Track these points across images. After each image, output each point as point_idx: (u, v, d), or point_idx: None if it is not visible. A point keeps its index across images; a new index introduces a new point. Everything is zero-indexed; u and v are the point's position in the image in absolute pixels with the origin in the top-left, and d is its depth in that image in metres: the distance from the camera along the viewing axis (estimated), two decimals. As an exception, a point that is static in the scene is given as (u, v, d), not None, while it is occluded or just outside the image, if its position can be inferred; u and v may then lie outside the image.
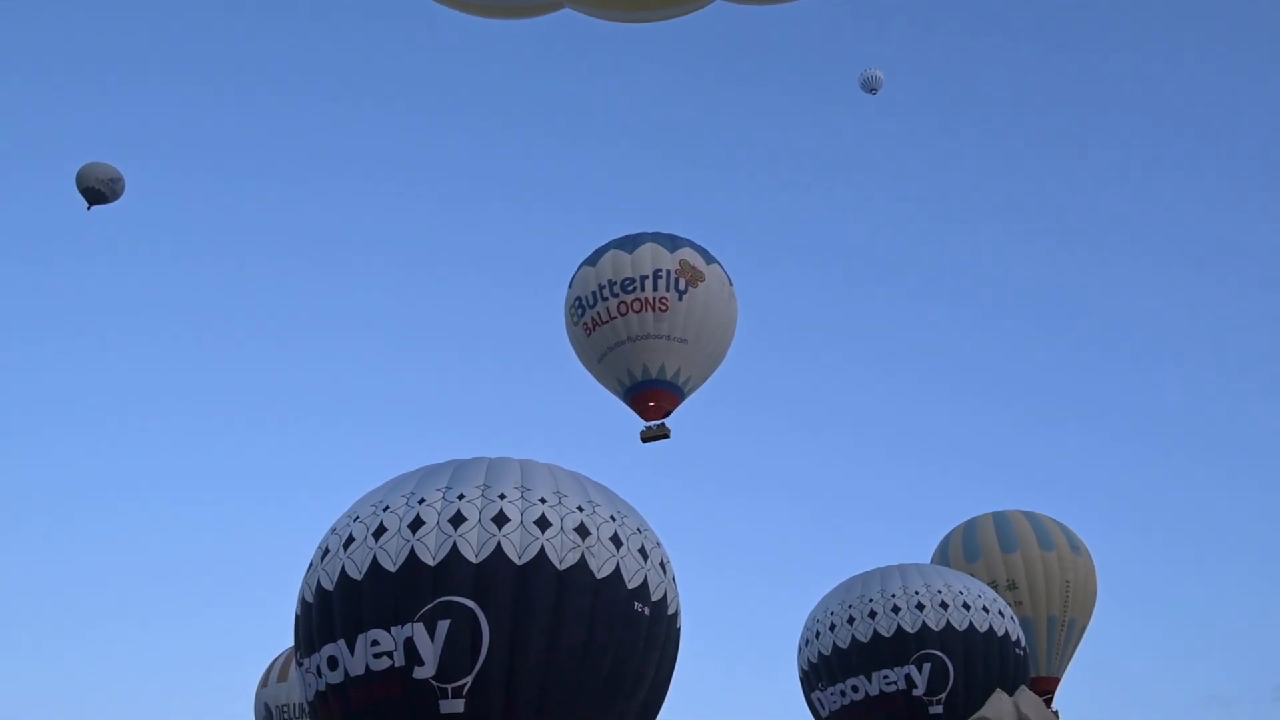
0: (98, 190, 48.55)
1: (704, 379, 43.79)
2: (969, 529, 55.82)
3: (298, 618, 25.49)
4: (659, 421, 42.16)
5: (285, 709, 57.48)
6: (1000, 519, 55.34)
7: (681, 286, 41.20)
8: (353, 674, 22.47)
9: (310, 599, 24.56)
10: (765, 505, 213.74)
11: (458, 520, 22.90)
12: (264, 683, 60.94)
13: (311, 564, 25.71)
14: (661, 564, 25.25)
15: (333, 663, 23.18)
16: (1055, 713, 44.01)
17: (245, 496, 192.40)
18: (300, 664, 26.25)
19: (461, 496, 23.55)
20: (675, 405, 42.65)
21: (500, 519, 23.05)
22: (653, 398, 41.79)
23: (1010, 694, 27.61)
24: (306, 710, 29.22)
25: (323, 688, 23.63)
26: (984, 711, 26.42)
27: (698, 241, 44.57)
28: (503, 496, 23.59)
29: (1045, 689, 49.47)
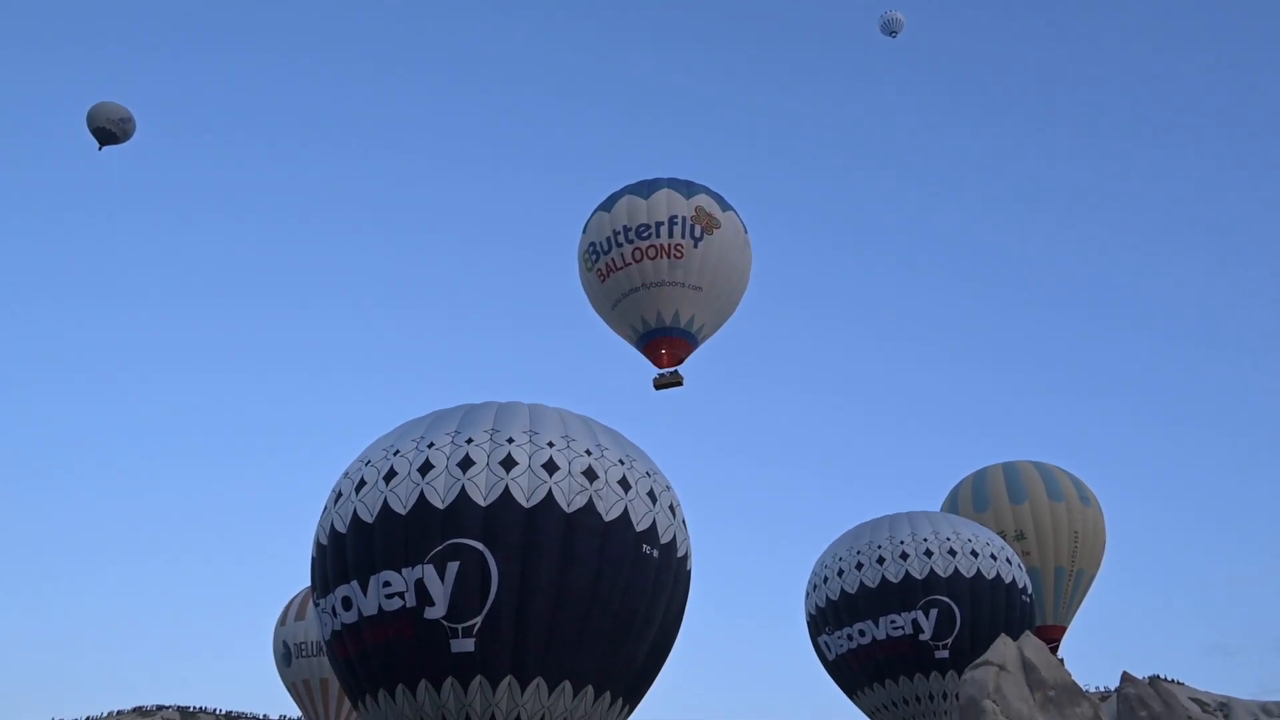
0: (108, 130, 47.72)
1: (717, 327, 43.32)
2: (978, 479, 55.73)
3: (313, 560, 26.10)
4: (672, 369, 41.70)
5: (303, 646, 59.23)
6: (1010, 469, 55.18)
7: (697, 233, 40.27)
8: (366, 614, 23.14)
9: (325, 541, 25.20)
10: (777, 453, 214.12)
11: (466, 464, 23.21)
12: (282, 621, 62.75)
13: (325, 507, 26.21)
14: (671, 507, 25.25)
15: (347, 603, 23.91)
16: (1060, 660, 44.47)
17: (266, 443, 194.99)
18: (317, 604, 26.83)
19: (470, 441, 23.84)
20: (688, 353, 42.23)
21: (508, 463, 23.30)
22: (666, 345, 41.25)
23: (1015, 639, 27.77)
24: (324, 648, 30.18)
25: (338, 627, 24.50)
26: (988, 655, 26.66)
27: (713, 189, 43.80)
28: (511, 441, 23.80)
29: (1051, 637, 50.06)
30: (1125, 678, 69.51)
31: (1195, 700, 66.87)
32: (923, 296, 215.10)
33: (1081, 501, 50.19)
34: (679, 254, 40.31)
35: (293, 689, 64.13)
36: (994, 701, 24.82)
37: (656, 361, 42.38)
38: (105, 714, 72.10)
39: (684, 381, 42.52)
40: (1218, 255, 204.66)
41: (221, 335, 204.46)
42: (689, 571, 25.47)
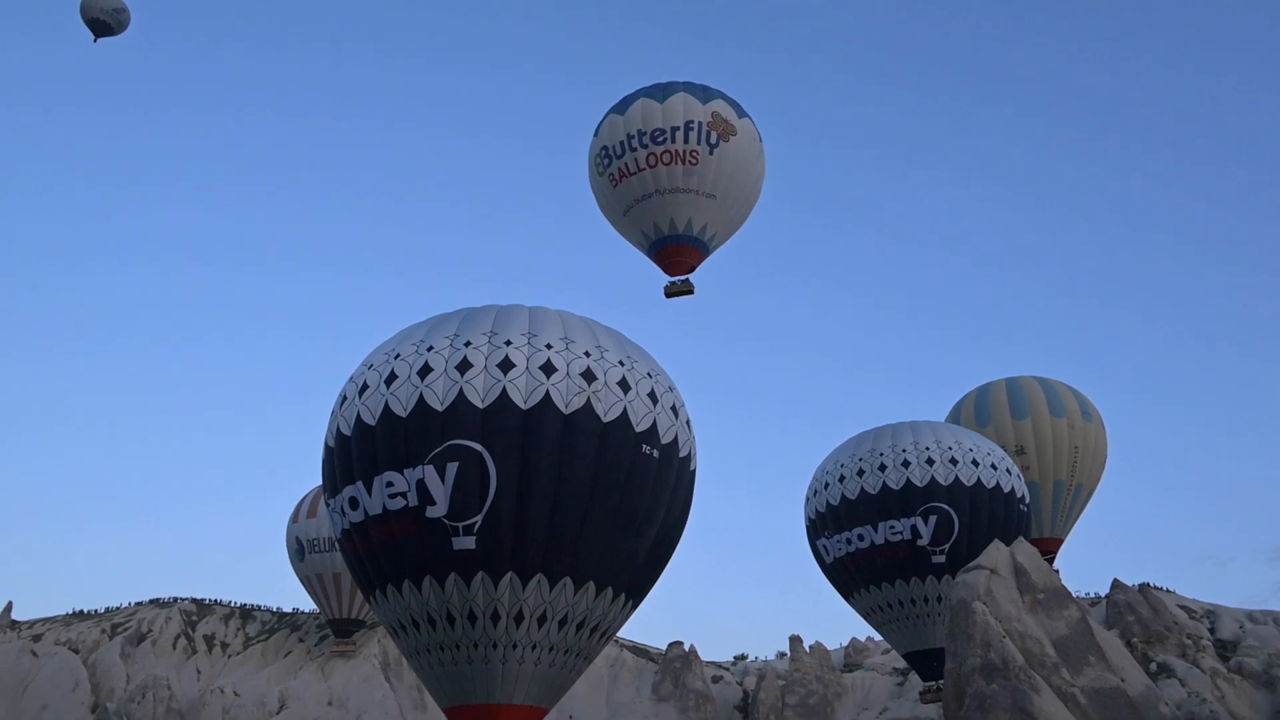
0: (103, 21, 46.18)
1: (729, 235, 42.38)
2: (981, 394, 55.67)
3: (323, 461, 26.66)
4: (683, 277, 41.08)
5: (316, 542, 61.57)
6: (1013, 385, 55.00)
7: (713, 140, 39.15)
8: (371, 513, 23.85)
9: (332, 444, 25.87)
10: (784, 362, 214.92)
11: (464, 367, 23.48)
12: (295, 518, 65.04)
13: (333, 411, 26.77)
14: (674, 408, 25.37)
15: (353, 503, 24.63)
16: (1056, 571, 45.52)
17: (284, 340, 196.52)
18: (328, 504, 27.54)
19: (469, 344, 24.03)
20: (700, 261, 41.46)
21: (506, 365, 23.53)
22: (678, 253, 40.55)
23: (1008, 545, 28.25)
24: (335, 544, 31.14)
25: (347, 526, 25.31)
26: (980, 560, 27.20)
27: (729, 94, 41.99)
28: (509, 343, 23.94)
29: (1048, 549, 51.14)
30: (1116, 584, 71.54)
31: (1183, 607, 68.92)
32: (931, 212, 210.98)
33: (1084, 417, 50.09)
34: (694, 160, 39.00)
35: (306, 583, 67.17)
36: (984, 603, 25.45)
37: (668, 269, 41.70)
38: (123, 605, 75.07)
39: (695, 290, 41.96)
40: (1223, 168, 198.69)
41: (231, 232, 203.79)
42: (693, 471, 25.65)
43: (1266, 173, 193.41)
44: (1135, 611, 61.97)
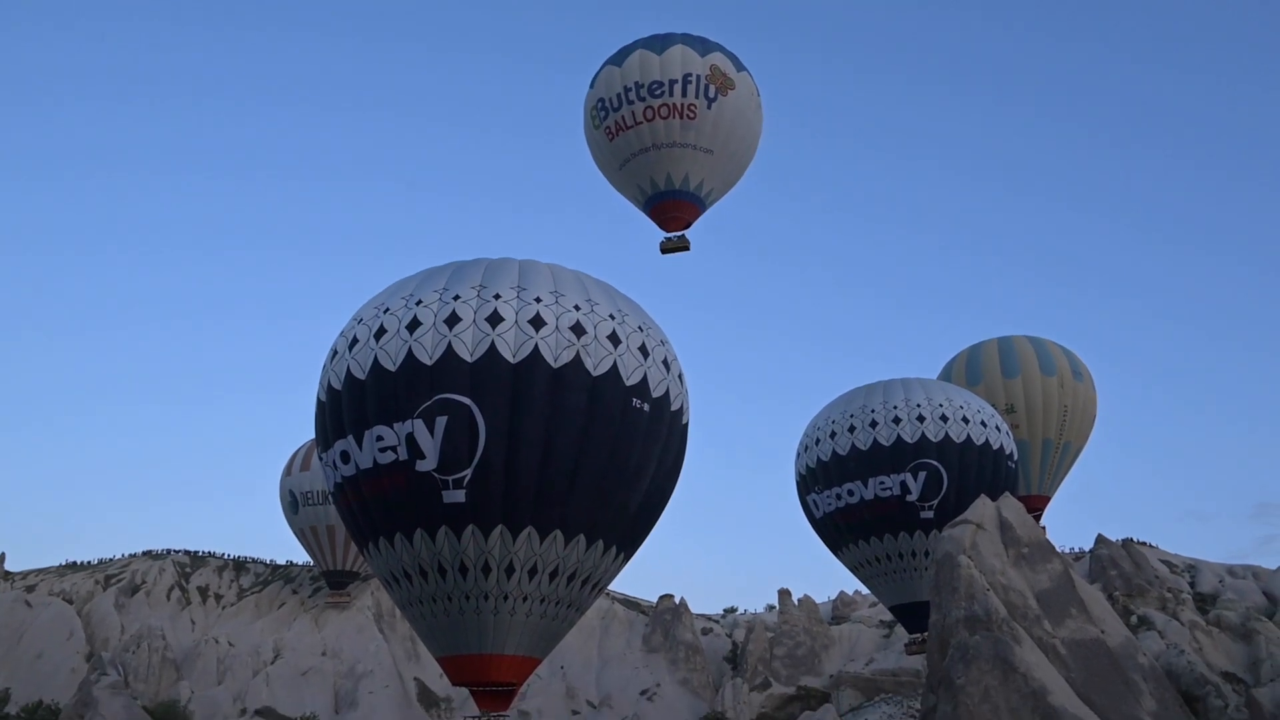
0: None
1: (725, 191, 41.63)
2: (973, 353, 55.67)
3: (316, 415, 26.52)
4: (679, 233, 40.40)
5: (310, 495, 61.91)
6: (1005, 344, 55.03)
7: (711, 94, 38.35)
8: (362, 467, 23.85)
9: (324, 398, 25.74)
10: (778, 318, 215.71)
11: (453, 321, 23.18)
12: (288, 471, 65.25)
13: (324, 365, 26.52)
14: (665, 361, 25.16)
15: (345, 457, 24.61)
16: (1043, 528, 46.10)
17: (278, 297, 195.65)
18: (321, 458, 27.54)
19: (457, 298, 23.75)
20: (696, 217, 40.78)
21: (494, 319, 23.25)
22: (674, 209, 39.89)
23: (994, 500, 28.47)
24: (329, 497, 31.20)
25: (339, 480, 25.36)
26: (966, 515, 27.43)
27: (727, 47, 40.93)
28: (498, 296, 23.64)
29: (1035, 507, 51.67)
30: (1100, 540, 72.67)
31: (1164, 562, 70.26)
32: (928, 177, 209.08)
33: (1074, 376, 50.18)
34: (691, 115, 38.03)
35: (300, 535, 67.71)
36: (969, 557, 25.72)
37: (663, 225, 41.02)
38: (116, 557, 75.33)
39: (691, 246, 41.47)
40: (1207, 145, 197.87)
41: (229, 208, 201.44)
42: (685, 425, 25.58)
43: (1246, 148, 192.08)
44: (1118, 566, 63.16)
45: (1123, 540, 67.09)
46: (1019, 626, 24.02)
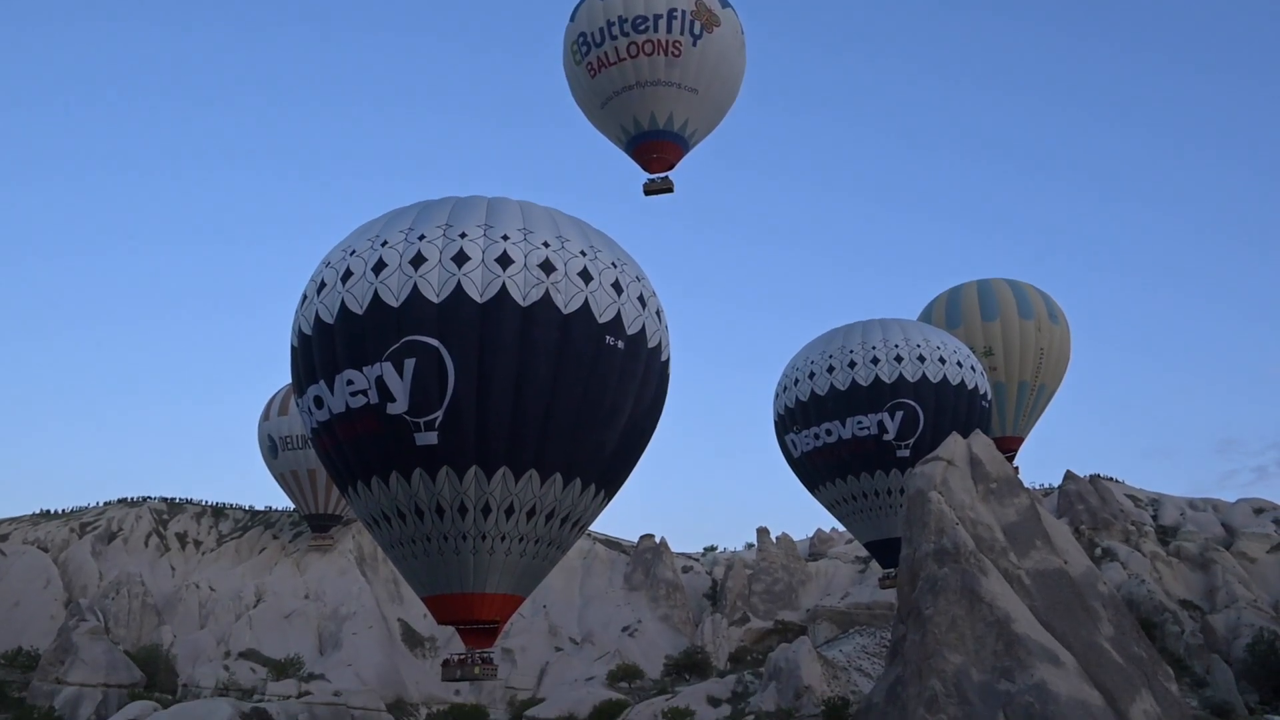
0: None
1: (708, 132, 40.79)
2: (953, 296, 55.89)
3: (291, 360, 26.12)
4: (662, 174, 39.65)
5: (289, 440, 61.58)
6: (984, 287, 55.27)
7: (696, 30, 37.24)
8: (335, 411, 23.77)
9: (296, 343, 25.54)
10: (758, 259, 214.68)
11: (418, 261, 22.83)
12: (266, 416, 64.76)
13: (296, 310, 26.14)
14: (641, 298, 24.88)
15: (318, 402, 24.50)
16: (1016, 468, 47.05)
17: (253, 234, 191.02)
18: (297, 403, 27.28)
19: (423, 238, 23.40)
20: (679, 158, 40.03)
21: (460, 258, 22.91)
22: (657, 149, 39.12)
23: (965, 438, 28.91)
24: (308, 441, 31.02)
25: (315, 425, 25.26)
26: (938, 452, 27.87)
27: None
28: (464, 235, 23.26)
29: (1009, 448, 52.61)
30: (1068, 475, 74.44)
31: (1130, 496, 72.36)
32: (909, 125, 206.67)
33: (1050, 319, 50.80)
34: (676, 52, 36.66)
35: (281, 479, 67.56)
36: (939, 493, 26.22)
37: (646, 166, 40.12)
38: (91, 505, 74.49)
39: (674, 188, 40.86)
40: (1176, 97, 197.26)
41: (198, 136, 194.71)
42: (664, 362, 25.35)
43: (1210, 96, 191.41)
44: (1085, 500, 64.97)
45: (1090, 476, 68.90)
46: (986, 559, 24.66)
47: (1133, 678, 22.81)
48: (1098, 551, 59.28)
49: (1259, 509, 67.60)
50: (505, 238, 22.71)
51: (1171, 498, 71.28)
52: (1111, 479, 71.68)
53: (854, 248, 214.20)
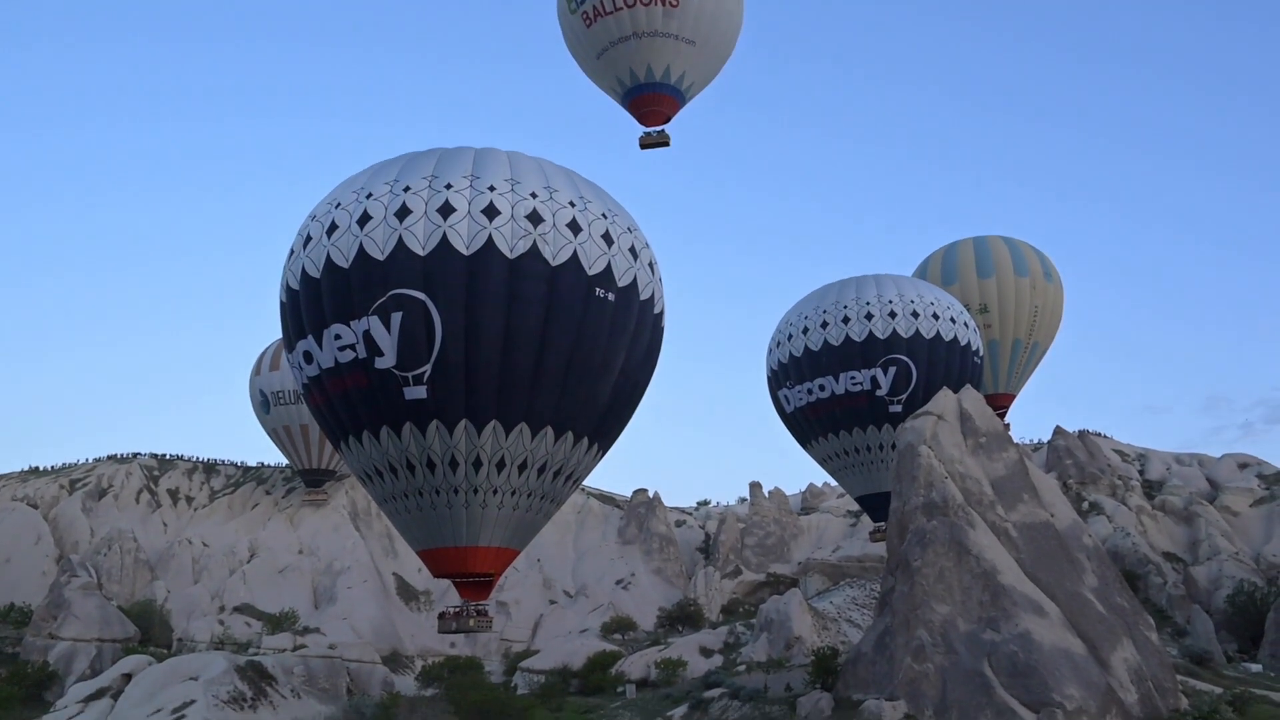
0: None
1: (705, 85, 40.05)
2: (949, 252, 55.61)
3: (280, 316, 25.71)
4: (659, 128, 39.10)
5: (281, 395, 61.30)
6: (980, 243, 54.97)
7: None
8: (324, 366, 23.56)
9: (284, 298, 25.20)
10: (755, 213, 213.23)
11: (403, 213, 22.43)
12: (257, 371, 64.39)
13: (285, 264, 25.55)
14: (632, 249, 24.48)
15: (308, 357, 24.20)
16: (1007, 425, 47.35)
17: (237, 185, 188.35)
18: (288, 359, 27.05)
19: (408, 189, 22.94)
20: (676, 111, 39.40)
21: (446, 210, 22.50)
22: (654, 102, 38.50)
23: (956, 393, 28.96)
24: (300, 396, 30.81)
25: (305, 380, 25.04)
26: (928, 407, 27.95)
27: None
28: (449, 187, 22.78)
29: (1001, 405, 52.97)
30: (1057, 431, 75.10)
31: (1117, 451, 73.12)
32: (908, 83, 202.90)
33: (1045, 277, 50.88)
34: (674, 1, 35.77)
35: (274, 435, 67.36)
36: (929, 447, 26.32)
37: (642, 119, 39.46)
38: (81, 461, 74.21)
39: (671, 141, 40.19)
40: (1173, 51, 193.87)
41: (193, 80, 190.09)
42: (658, 315, 25.02)
43: (1208, 51, 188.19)
44: (1073, 455, 65.61)
45: (1079, 432, 69.50)
46: (974, 512, 24.89)
47: (1115, 627, 23.24)
48: (1085, 505, 60.06)
49: (1243, 464, 68.43)
50: (492, 189, 22.24)
51: (1158, 453, 72.05)
52: (1100, 434, 72.34)
53: (851, 202, 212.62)
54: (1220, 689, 25.36)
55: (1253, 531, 58.75)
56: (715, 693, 28.62)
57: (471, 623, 25.42)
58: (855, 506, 59.12)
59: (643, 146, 40.47)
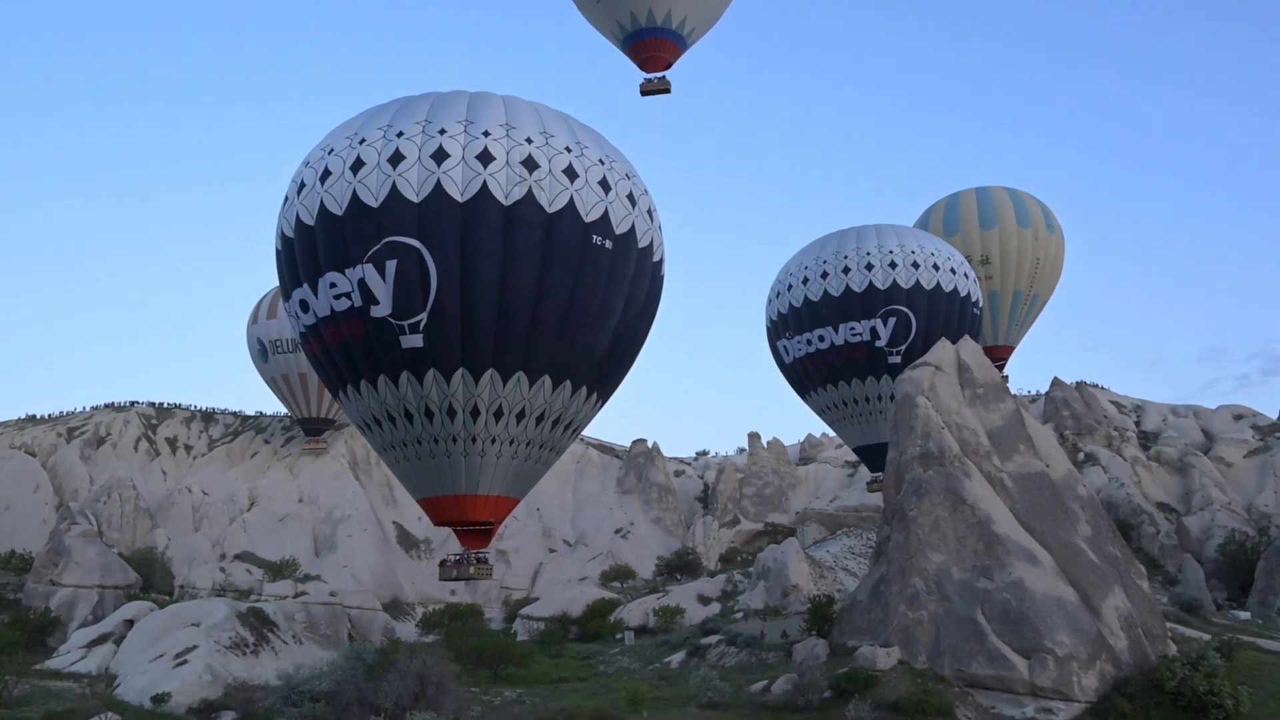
0: None
1: (706, 31, 38.91)
2: (951, 202, 54.79)
3: (276, 264, 25.15)
4: (660, 74, 37.98)
5: (279, 343, 60.91)
6: (983, 194, 54.16)
7: None
8: (320, 315, 23.17)
9: (279, 246, 24.64)
10: (756, 161, 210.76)
11: (397, 159, 21.84)
12: (254, 319, 63.92)
13: (280, 212, 24.87)
14: (630, 196, 23.96)
15: (304, 305, 23.79)
16: (1005, 377, 47.29)
17: (235, 129, 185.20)
18: (286, 307, 26.73)
19: (401, 134, 22.34)
20: (677, 57, 38.33)
21: (440, 155, 21.93)
22: (655, 48, 37.44)
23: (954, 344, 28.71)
24: (298, 345, 30.40)
25: (302, 329, 24.66)
26: (926, 357, 27.76)
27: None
28: (443, 132, 22.19)
29: (1000, 356, 52.97)
30: (1055, 382, 75.20)
31: (1114, 403, 73.30)
32: (915, 28, 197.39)
33: (1047, 229, 50.40)
34: None
35: (272, 383, 67.15)
36: (927, 398, 26.17)
37: (643, 66, 38.38)
38: (78, 410, 74.29)
39: (671, 88, 39.15)
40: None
41: (192, 22, 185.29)
42: (657, 263, 24.59)
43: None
44: (1070, 406, 65.76)
45: (1076, 383, 69.54)
46: (970, 462, 24.86)
47: (1106, 576, 23.43)
48: (1081, 456, 60.40)
49: (1238, 415, 68.70)
50: (486, 134, 21.61)
51: (1155, 404, 72.25)
52: (1097, 386, 72.39)
53: (853, 150, 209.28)
54: (1209, 635, 25.71)
55: (1246, 482, 59.24)
56: (712, 639, 29.04)
57: (472, 570, 25.60)
58: (853, 457, 59.43)
59: (643, 93, 39.60)
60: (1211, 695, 19.36)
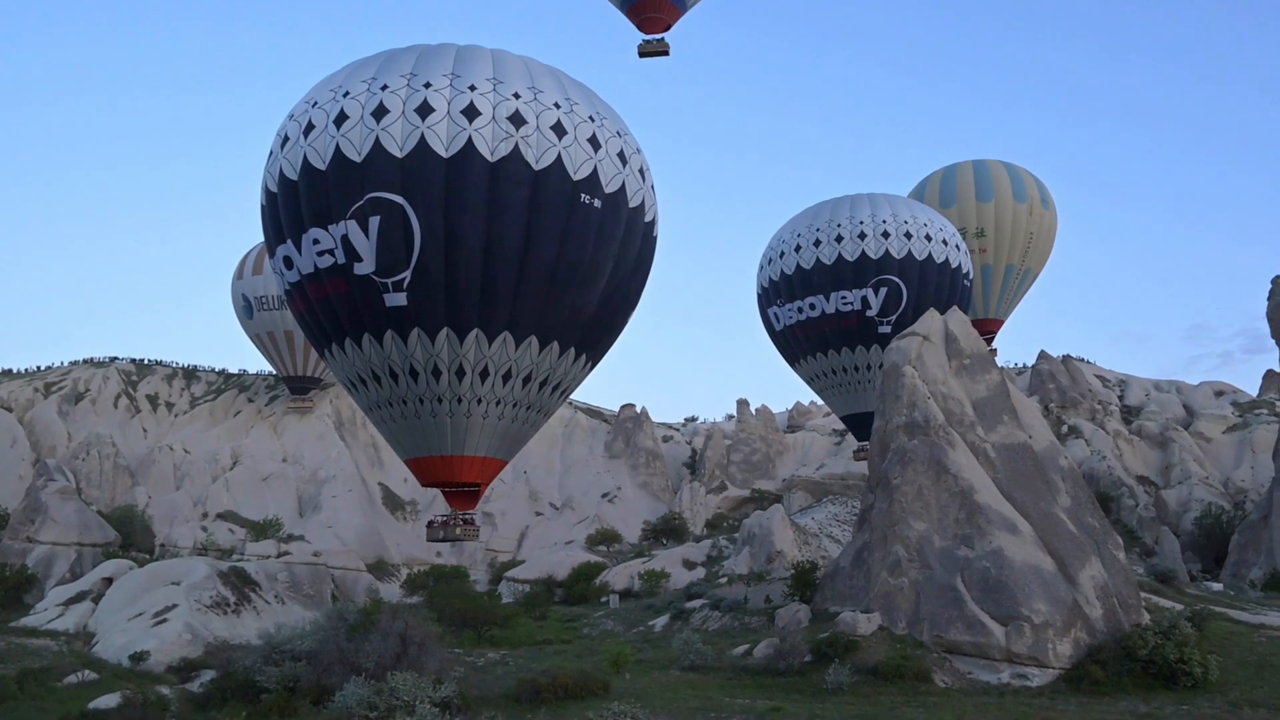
0: None
1: (707, -10, 38.72)
2: (948, 174, 54.43)
3: (260, 219, 24.83)
4: (658, 36, 37.67)
5: (264, 300, 59.89)
6: (980, 167, 53.86)
7: None
8: (304, 272, 22.91)
9: (264, 201, 24.28)
10: (753, 126, 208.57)
11: (380, 113, 21.38)
12: (239, 275, 62.84)
13: (265, 166, 24.35)
14: (621, 154, 23.51)
15: (288, 262, 23.47)
16: (994, 350, 47.46)
17: (217, 86, 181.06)
18: (270, 263, 26.25)
19: (385, 88, 21.84)
20: (676, 18, 37.86)
21: (424, 109, 21.44)
22: (653, 8, 37.06)
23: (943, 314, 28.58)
24: (284, 302, 29.87)
25: (287, 286, 24.42)
26: (914, 327, 27.62)
27: None
28: (428, 85, 21.68)
29: (990, 330, 53.21)
30: (1041, 355, 75.61)
31: (1099, 376, 73.85)
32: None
33: (1042, 204, 50.46)
34: None
35: (257, 340, 66.27)
36: (914, 367, 26.08)
37: (642, 26, 37.73)
38: (56, 365, 72.85)
39: (670, 50, 38.43)
40: None
41: None
42: (649, 223, 24.17)
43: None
44: (1056, 380, 66.18)
45: (1062, 357, 69.91)
46: (954, 432, 24.85)
47: (1084, 546, 23.60)
48: (1064, 429, 60.93)
49: (1220, 391, 69.42)
50: (473, 88, 21.03)
51: (1138, 379, 72.86)
52: (1083, 360, 72.81)
53: (849, 118, 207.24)
54: (1181, 605, 26.08)
55: (1224, 457, 60.04)
56: (696, 604, 29.22)
57: (459, 531, 25.61)
58: (840, 426, 59.72)
59: (641, 55, 39.06)
60: (1181, 664, 19.64)
